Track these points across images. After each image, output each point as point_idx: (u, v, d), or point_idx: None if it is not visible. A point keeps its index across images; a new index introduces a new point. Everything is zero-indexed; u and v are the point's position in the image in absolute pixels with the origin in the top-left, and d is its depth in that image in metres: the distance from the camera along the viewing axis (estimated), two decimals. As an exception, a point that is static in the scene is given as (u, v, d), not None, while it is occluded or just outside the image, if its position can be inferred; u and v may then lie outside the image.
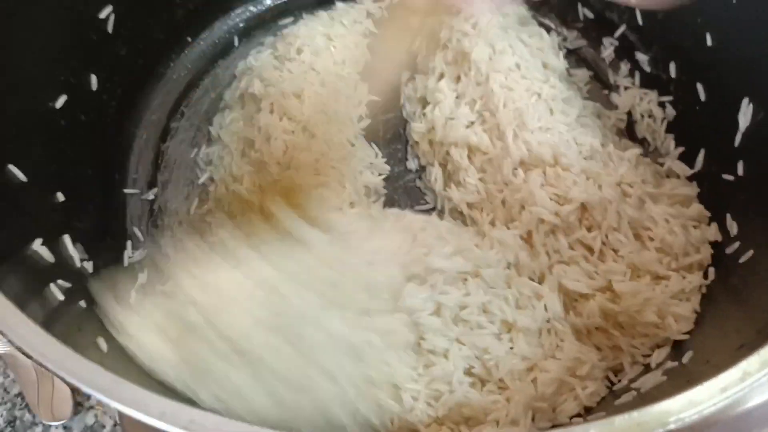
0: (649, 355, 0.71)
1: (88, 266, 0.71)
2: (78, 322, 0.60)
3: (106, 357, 0.57)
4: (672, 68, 0.87)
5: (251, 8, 1.01)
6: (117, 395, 0.40)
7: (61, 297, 0.60)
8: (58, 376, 0.40)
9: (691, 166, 0.81)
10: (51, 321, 0.54)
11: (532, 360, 0.68)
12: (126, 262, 0.81)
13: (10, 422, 0.85)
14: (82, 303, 0.63)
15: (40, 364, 0.41)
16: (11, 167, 0.65)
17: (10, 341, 0.44)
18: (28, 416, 0.85)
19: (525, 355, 0.68)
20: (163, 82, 0.96)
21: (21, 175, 0.66)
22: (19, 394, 0.86)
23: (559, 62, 0.91)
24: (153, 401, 0.39)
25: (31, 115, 0.72)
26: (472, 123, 0.84)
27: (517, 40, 0.90)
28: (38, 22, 0.72)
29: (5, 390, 0.87)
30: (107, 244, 0.80)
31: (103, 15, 0.82)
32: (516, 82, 0.85)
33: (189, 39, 0.98)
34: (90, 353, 0.55)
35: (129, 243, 0.83)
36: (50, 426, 0.84)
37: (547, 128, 0.81)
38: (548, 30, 0.96)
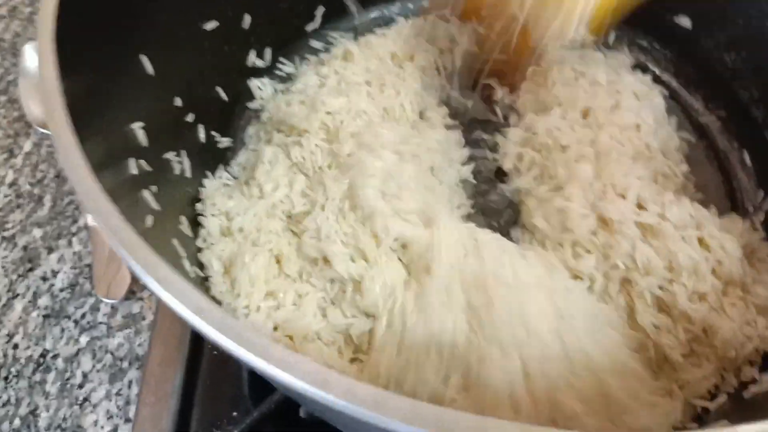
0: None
1: (176, 163, 0.78)
2: (139, 197, 0.66)
3: (148, 231, 0.62)
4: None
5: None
6: (155, 273, 0.44)
7: (135, 171, 0.66)
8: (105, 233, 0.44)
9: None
10: (119, 186, 0.61)
11: None
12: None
13: (72, 286, 0.94)
14: (153, 188, 0.69)
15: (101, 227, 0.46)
16: (143, 58, 0.73)
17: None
18: (87, 286, 0.94)
19: None
20: (308, 47, 1.02)
21: (150, 68, 0.74)
22: (89, 266, 0.96)
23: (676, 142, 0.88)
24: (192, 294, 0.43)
25: (179, 25, 0.80)
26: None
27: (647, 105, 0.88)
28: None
29: (79, 258, 0.97)
30: (204, 159, 0.86)
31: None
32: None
33: (353, 12, 1.03)
34: (137, 223, 0.61)
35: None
36: (101, 301, 0.93)
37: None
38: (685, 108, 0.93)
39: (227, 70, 0.92)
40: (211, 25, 0.85)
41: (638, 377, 0.67)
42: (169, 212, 0.70)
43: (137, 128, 0.71)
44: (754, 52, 0.90)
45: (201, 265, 0.76)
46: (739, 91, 0.92)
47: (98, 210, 0.47)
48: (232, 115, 0.96)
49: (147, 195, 0.66)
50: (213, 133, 0.89)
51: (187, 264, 0.70)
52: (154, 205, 0.67)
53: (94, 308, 0.93)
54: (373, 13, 1.08)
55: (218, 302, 0.73)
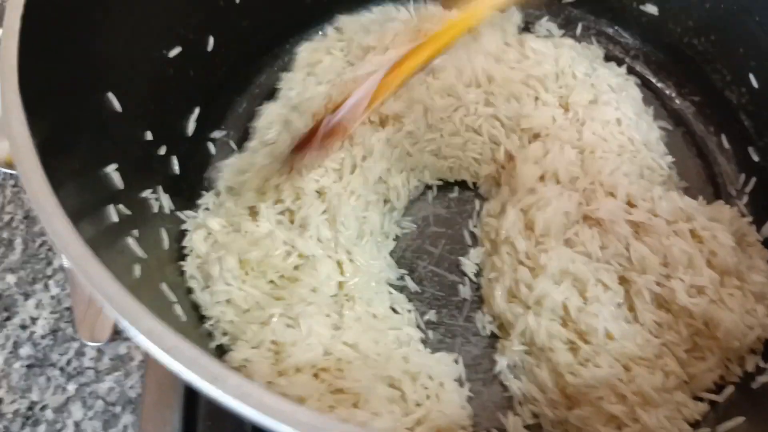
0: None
1: (153, 201, 0.76)
2: (122, 246, 0.63)
3: (135, 283, 0.60)
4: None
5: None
6: (119, 305, 0.41)
7: (115, 219, 0.64)
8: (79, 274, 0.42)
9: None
10: (97, 237, 0.58)
11: None
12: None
13: (53, 331, 0.91)
14: (135, 232, 0.67)
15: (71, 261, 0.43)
16: (110, 95, 0.70)
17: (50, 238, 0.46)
18: (69, 330, 0.91)
19: None
20: (276, 62, 1.00)
21: (117, 105, 0.71)
22: (69, 309, 0.92)
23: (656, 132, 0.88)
24: (143, 315, 0.40)
25: (143, 55, 0.77)
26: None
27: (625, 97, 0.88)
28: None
29: (58, 301, 0.93)
30: (181, 189, 0.83)
31: (233, -17, 0.88)
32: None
33: (312, 27, 1.01)
34: (124, 275, 0.59)
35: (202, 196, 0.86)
36: (86, 345, 0.89)
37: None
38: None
39: (195, 94, 0.89)
40: (174, 52, 0.82)
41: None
42: (154, 257, 0.68)
43: (112, 171, 0.68)
44: (722, 35, 0.90)
45: (196, 305, 0.73)
46: (711, 75, 0.93)
47: (79, 264, 0.45)
48: (202, 137, 0.93)
49: (131, 242, 0.64)
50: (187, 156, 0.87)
51: (178, 308, 0.68)
52: (139, 252, 0.64)
53: (80, 353, 0.89)
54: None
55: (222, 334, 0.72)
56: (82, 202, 0.59)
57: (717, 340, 0.69)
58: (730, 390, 0.68)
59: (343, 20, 0.98)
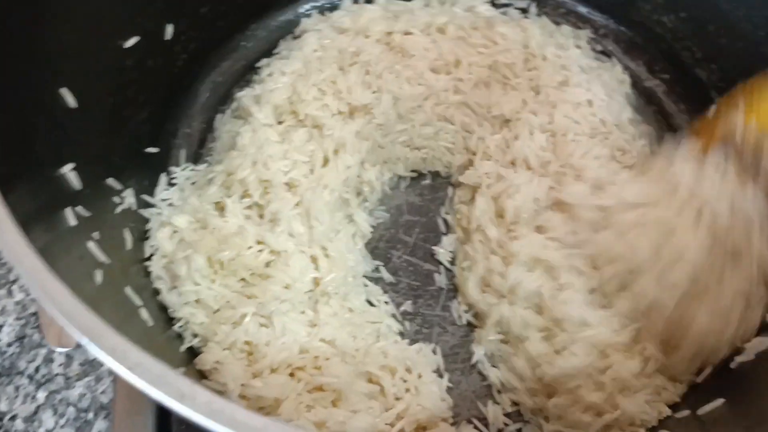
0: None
1: (117, 201, 0.73)
2: (82, 251, 0.60)
3: (96, 290, 0.57)
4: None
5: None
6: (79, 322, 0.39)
7: (73, 222, 0.61)
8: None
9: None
10: (53, 243, 0.55)
11: None
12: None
13: (20, 339, 0.87)
14: (95, 234, 0.64)
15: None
16: (64, 90, 0.67)
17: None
18: (36, 336, 0.88)
19: None
20: (238, 48, 0.97)
21: (72, 101, 0.68)
22: (35, 314, 0.89)
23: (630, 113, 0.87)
24: (109, 334, 0.38)
25: (97, 47, 0.73)
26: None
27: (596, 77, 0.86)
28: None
29: (23, 307, 0.90)
30: (143, 186, 0.80)
31: (191, -30, 0.84)
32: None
33: (271, 11, 0.98)
34: (84, 284, 0.56)
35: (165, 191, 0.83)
36: (54, 351, 0.86)
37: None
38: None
39: (155, 85, 0.85)
40: (131, 42, 0.78)
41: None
42: (117, 260, 0.65)
43: (68, 171, 0.64)
44: (692, 12, 0.90)
45: (164, 307, 0.71)
46: (681, 53, 0.92)
47: (32, 278, 0.42)
48: (164, 130, 0.89)
49: (92, 246, 0.61)
50: (148, 150, 0.83)
51: (144, 313, 0.65)
52: (101, 256, 0.61)
53: (48, 360, 0.86)
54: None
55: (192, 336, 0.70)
56: (36, 207, 0.56)
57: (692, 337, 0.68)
58: (708, 371, 0.68)
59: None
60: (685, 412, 0.66)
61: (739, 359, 0.66)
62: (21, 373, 0.85)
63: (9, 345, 0.87)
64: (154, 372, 0.38)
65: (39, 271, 0.41)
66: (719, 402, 0.63)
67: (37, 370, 0.85)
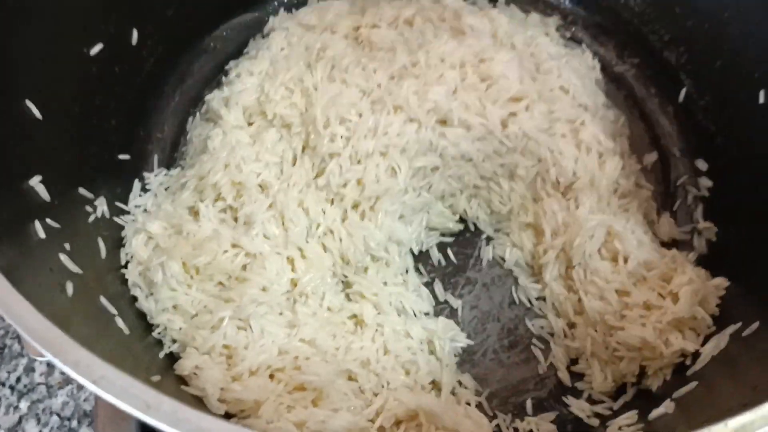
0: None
1: (89, 210, 0.72)
2: (53, 263, 0.60)
3: (69, 303, 0.57)
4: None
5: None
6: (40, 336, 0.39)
7: (42, 235, 0.60)
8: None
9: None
10: (21, 257, 0.55)
11: None
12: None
13: (-1, 349, 0.87)
14: (67, 246, 0.64)
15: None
16: (28, 103, 0.66)
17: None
18: (16, 347, 0.87)
19: None
20: (207, 49, 0.96)
21: (36, 112, 0.67)
22: (12, 324, 0.88)
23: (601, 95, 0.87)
24: (71, 347, 0.38)
25: (61, 56, 0.72)
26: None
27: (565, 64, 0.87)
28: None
29: (0, 318, 0.89)
30: (116, 194, 0.80)
31: (155, -27, 0.84)
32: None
33: (239, 10, 0.98)
34: (55, 295, 0.56)
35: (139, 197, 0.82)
36: (35, 360, 0.86)
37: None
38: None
39: (123, 91, 0.85)
40: (96, 49, 0.78)
41: None
42: (90, 270, 0.65)
43: (35, 183, 0.64)
44: (658, -6, 0.90)
45: (142, 314, 0.71)
46: (649, 36, 0.93)
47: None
48: (135, 136, 0.89)
49: (63, 258, 0.61)
50: (120, 157, 0.83)
51: (119, 321, 0.65)
52: (73, 267, 0.61)
53: (29, 369, 0.86)
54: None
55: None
56: (2, 221, 0.55)
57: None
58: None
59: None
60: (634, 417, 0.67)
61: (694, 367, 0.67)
62: (2, 383, 0.85)
63: (-11, 357, 0.87)
64: (119, 384, 0.38)
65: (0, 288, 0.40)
66: (670, 406, 0.63)
67: (18, 380, 0.85)
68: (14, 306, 0.39)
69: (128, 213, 0.79)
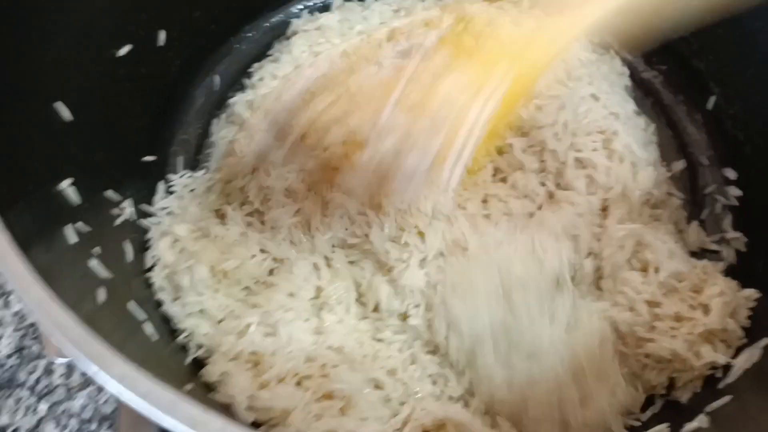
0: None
1: (117, 213, 0.72)
2: (83, 270, 0.59)
3: (99, 309, 0.56)
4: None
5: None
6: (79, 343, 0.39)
7: (74, 240, 0.60)
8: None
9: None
10: (55, 264, 0.54)
11: None
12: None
13: (18, 350, 0.87)
14: (97, 249, 0.63)
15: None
16: (59, 105, 0.66)
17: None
18: (35, 348, 0.87)
19: None
20: (232, 51, 0.96)
21: (67, 114, 0.67)
22: (33, 325, 0.88)
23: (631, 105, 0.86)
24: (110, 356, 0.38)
25: (90, 58, 0.72)
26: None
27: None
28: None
29: (21, 318, 0.89)
30: (142, 196, 0.79)
31: (182, -27, 0.83)
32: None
33: (264, 11, 0.97)
34: (87, 302, 0.55)
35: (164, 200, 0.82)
36: (54, 361, 0.86)
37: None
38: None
39: (150, 92, 0.84)
40: (124, 50, 0.77)
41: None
42: (119, 274, 0.64)
43: (66, 186, 0.64)
44: (688, 2, 0.89)
45: (167, 319, 0.70)
46: (678, 43, 0.92)
47: (41, 310, 0.41)
48: (160, 137, 0.88)
49: (94, 264, 0.60)
50: (146, 159, 0.83)
51: (148, 327, 0.65)
52: (104, 273, 0.61)
53: (48, 371, 0.86)
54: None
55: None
56: (36, 226, 0.55)
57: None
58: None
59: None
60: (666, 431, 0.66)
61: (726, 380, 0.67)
62: (21, 385, 0.84)
63: (8, 357, 0.86)
64: (166, 399, 0.37)
65: (46, 303, 0.40)
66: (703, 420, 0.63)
67: (37, 381, 0.85)
68: (59, 319, 0.39)
69: (154, 215, 0.78)
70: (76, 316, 0.40)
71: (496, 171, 0.79)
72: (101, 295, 0.58)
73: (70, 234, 0.60)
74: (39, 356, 0.86)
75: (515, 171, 0.78)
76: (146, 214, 0.78)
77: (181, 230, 0.75)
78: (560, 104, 0.79)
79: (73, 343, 0.38)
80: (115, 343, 0.41)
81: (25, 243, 0.45)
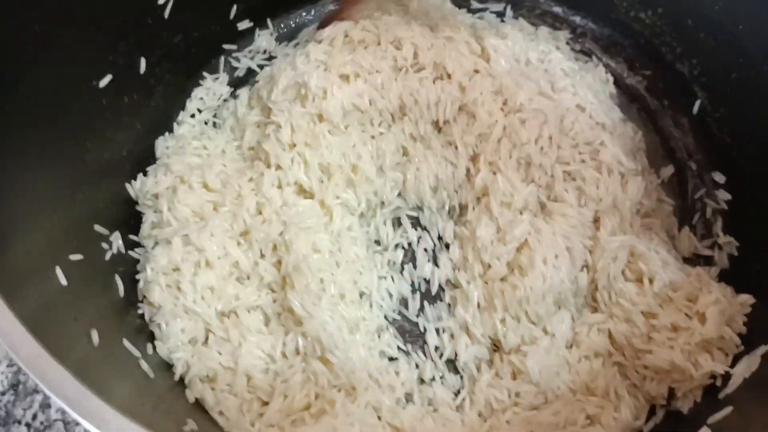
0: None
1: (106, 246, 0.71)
2: (76, 310, 0.58)
3: (95, 350, 0.56)
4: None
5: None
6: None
7: (64, 282, 0.59)
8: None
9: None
10: (49, 308, 0.53)
11: None
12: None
13: (14, 386, 0.86)
14: (87, 288, 0.63)
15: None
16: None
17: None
18: (31, 383, 0.86)
19: None
20: (214, 73, 0.94)
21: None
22: (26, 360, 0.87)
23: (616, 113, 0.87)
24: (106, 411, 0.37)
25: (71, 90, 0.71)
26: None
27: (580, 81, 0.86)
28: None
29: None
30: (129, 226, 0.79)
31: (161, 0, 0.82)
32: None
33: (245, 35, 0.96)
34: (81, 346, 0.55)
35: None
36: (51, 396, 0.84)
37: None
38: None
39: (132, 121, 0.83)
40: (105, 80, 0.76)
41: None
42: (111, 312, 0.64)
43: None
44: (670, 7, 0.89)
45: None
46: (661, 48, 0.92)
47: (32, 367, 0.41)
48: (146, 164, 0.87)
49: (86, 304, 0.59)
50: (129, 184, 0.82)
51: (144, 364, 0.64)
52: (95, 312, 0.60)
53: (44, 405, 0.85)
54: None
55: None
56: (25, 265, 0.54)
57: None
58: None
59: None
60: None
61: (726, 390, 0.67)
62: (18, 421, 0.83)
63: (3, 394, 0.85)
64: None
65: (39, 357, 0.39)
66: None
67: (34, 417, 0.84)
68: (54, 377, 0.38)
69: (141, 246, 0.78)
70: (66, 369, 0.39)
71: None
72: (95, 336, 0.57)
73: (60, 276, 0.59)
74: (35, 391, 0.85)
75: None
76: (134, 245, 0.77)
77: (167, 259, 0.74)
78: (544, 118, 0.78)
79: (68, 402, 0.38)
80: (113, 387, 0.40)
81: (8, 293, 0.44)
